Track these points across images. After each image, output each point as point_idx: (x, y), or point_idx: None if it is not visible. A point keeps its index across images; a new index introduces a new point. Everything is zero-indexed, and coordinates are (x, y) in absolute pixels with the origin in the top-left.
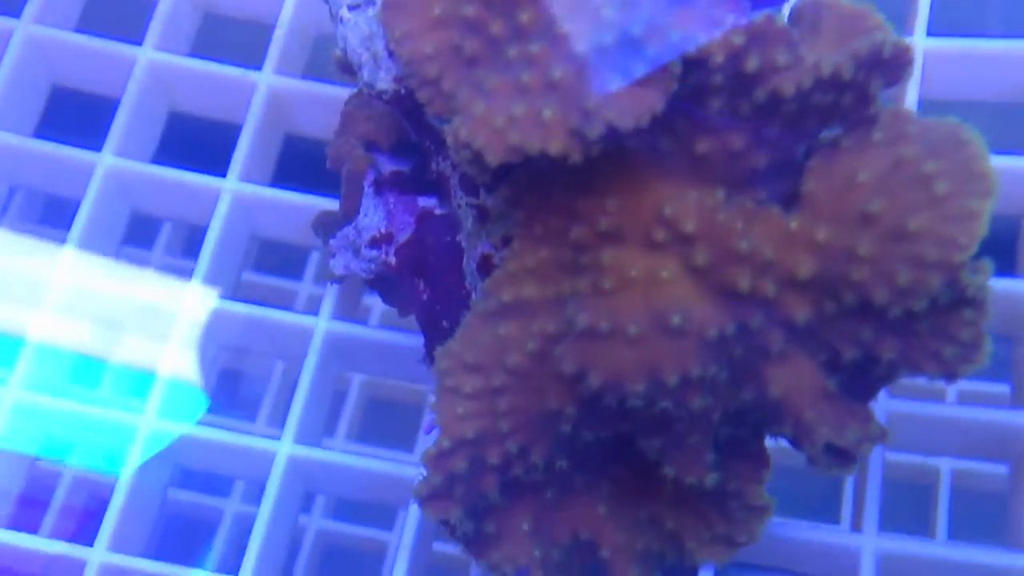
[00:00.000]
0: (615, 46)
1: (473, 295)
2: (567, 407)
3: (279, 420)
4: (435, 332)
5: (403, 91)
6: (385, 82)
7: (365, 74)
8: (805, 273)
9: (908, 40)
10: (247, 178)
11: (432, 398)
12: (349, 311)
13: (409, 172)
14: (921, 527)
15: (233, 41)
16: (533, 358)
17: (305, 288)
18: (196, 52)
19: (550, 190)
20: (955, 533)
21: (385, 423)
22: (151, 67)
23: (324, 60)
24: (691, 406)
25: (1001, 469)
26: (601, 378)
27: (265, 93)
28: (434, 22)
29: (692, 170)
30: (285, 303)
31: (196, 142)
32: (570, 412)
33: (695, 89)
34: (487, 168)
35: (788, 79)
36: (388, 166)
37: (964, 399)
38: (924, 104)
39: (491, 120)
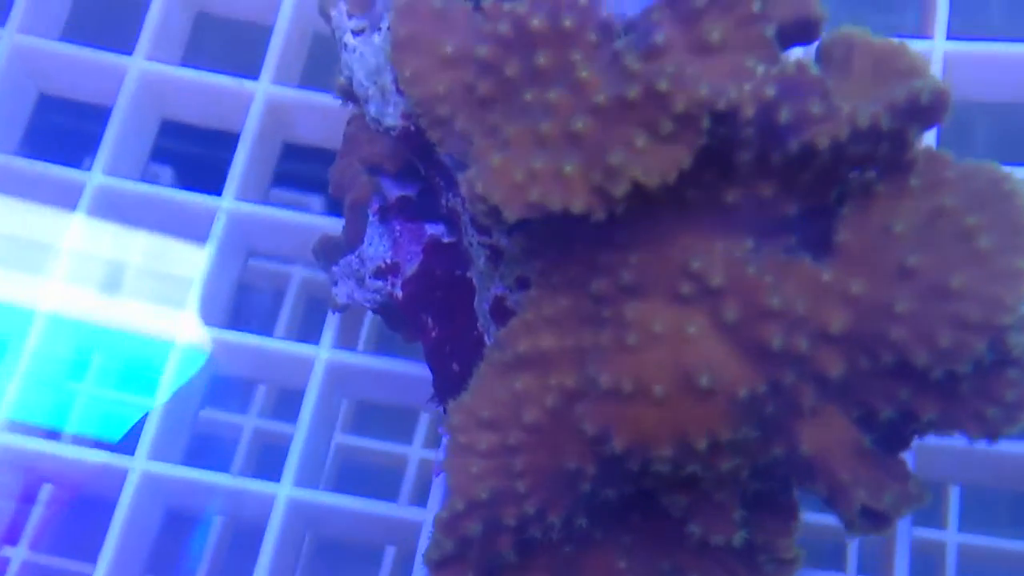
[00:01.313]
0: (639, 97)
1: (486, 338)
2: (587, 466)
3: None
4: (445, 373)
5: (412, 128)
6: (393, 118)
7: (372, 109)
8: (838, 328)
9: (929, 39)
10: (243, 196)
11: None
12: (350, 339)
13: (416, 197)
14: (933, 517)
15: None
16: (551, 414)
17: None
18: (188, 55)
19: (569, 242)
20: (965, 525)
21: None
22: (143, 78)
23: (322, 56)
24: (720, 468)
25: None
26: (625, 442)
27: (263, 103)
28: (445, 61)
29: (719, 219)
30: None
31: (188, 149)
32: (590, 471)
33: (724, 141)
34: (504, 222)
35: (823, 131)
36: (394, 192)
37: None
38: None
39: (509, 173)
